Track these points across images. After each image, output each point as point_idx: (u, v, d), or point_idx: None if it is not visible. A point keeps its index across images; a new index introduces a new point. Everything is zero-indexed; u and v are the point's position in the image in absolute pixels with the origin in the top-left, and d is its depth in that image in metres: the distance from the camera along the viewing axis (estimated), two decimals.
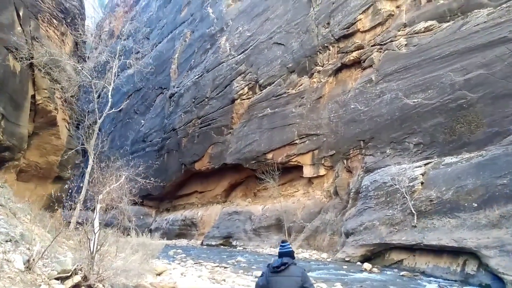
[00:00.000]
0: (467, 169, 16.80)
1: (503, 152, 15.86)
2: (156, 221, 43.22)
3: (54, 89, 15.73)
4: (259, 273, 12.44)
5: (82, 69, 12.52)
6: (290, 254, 4.17)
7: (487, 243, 13.87)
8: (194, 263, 16.51)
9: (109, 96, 12.36)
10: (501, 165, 15.53)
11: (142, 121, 54.08)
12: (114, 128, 61.97)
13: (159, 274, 8.67)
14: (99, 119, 11.77)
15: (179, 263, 16.20)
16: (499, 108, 17.25)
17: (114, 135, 61.28)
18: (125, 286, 5.40)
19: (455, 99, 19.17)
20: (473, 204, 15.58)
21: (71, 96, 16.30)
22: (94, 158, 11.50)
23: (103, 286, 4.90)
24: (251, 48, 35.63)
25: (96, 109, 11.87)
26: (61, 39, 16.83)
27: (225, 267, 15.34)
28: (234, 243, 29.96)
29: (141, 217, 44.85)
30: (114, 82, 12.74)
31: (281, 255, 4.13)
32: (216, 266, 15.35)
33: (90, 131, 11.95)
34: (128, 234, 11.71)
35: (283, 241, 4.32)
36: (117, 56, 13.13)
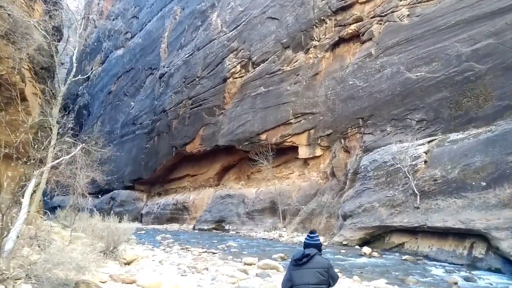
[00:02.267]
0: (475, 145, 15.60)
1: None
2: (147, 205, 42.04)
3: (21, 59, 14.07)
4: (249, 259, 11.22)
5: (39, 25, 10.93)
6: (317, 247, 3.77)
7: (497, 224, 12.75)
8: (181, 249, 15.33)
9: (74, 60, 10.81)
10: None
11: (132, 103, 52.33)
12: (104, 111, 60.18)
13: (128, 263, 7.40)
14: (63, 86, 10.25)
15: (164, 249, 15.02)
16: (510, 80, 15.94)
17: (104, 118, 59.54)
18: (62, 283, 4.13)
19: (461, 71, 17.81)
20: (482, 183, 14.43)
21: (41, 69, 14.67)
22: (58, 132, 10.08)
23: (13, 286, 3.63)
24: (243, 23, 33.80)
25: (57, 75, 10.35)
26: (29, 5, 15.10)
27: (213, 253, 14.17)
28: (226, 227, 28.87)
29: (132, 201, 43.73)
30: (78, 43, 11.12)
31: (306, 246, 3.76)
32: (204, 252, 14.17)
33: (53, 101, 10.46)
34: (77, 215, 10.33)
35: (311, 232, 3.91)
36: (82, 15, 11.50)
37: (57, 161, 7.51)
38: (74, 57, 10.73)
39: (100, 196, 51.01)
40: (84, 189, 8.98)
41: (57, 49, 19.53)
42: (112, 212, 46.70)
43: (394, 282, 9.50)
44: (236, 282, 6.57)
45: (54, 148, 9.33)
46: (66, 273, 4.14)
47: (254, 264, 10.63)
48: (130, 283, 5.33)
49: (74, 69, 10.50)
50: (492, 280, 10.81)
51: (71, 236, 7.09)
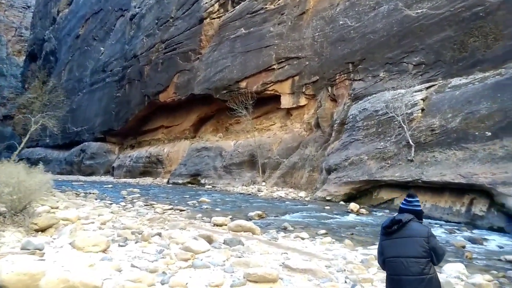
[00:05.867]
0: (481, 91, 13.77)
1: None
2: (119, 158, 39.62)
3: None
4: (219, 219, 9.33)
5: None
6: (416, 214, 2.90)
7: (504, 179, 11.25)
8: (144, 205, 13.36)
9: None
10: None
11: (102, 48, 48.11)
12: (72, 57, 55.61)
13: (42, 230, 5.31)
14: None
15: (124, 205, 13.01)
16: None
17: (72, 65, 55.17)
18: None
19: (469, 6, 15.54)
20: (487, 132, 12.77)
21: None
22: None
23: None
24: None
25: None
26: None
27: (180, 210, 12.27)
28: (202, 181, 27.08)
29: (104, 154, 41.29)
30: None
31: (402, 211, 2.96)
32: (170, 209, 12.25)
33: None
34: None
35: (410, 195, 3.03)
36: None
37: None
38: None
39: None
40: None
41: None
42: (82, 165, 44.26)
43: None
44: (190, 258, 4.63)
45: None
46: None
47: (226, 225, 8.78)
48: None
49: None
50: (500, 241, 9.38)
51: None
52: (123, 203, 13.63)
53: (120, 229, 6.71)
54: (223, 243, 6.24)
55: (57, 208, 8.85)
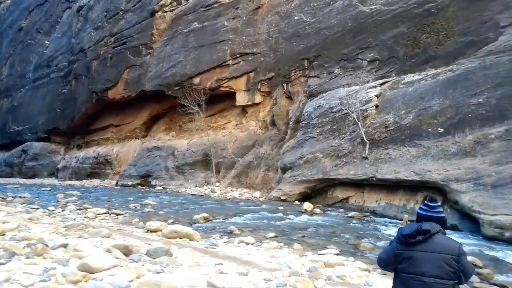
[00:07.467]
0: (433, 87, 13.67)
1: (480, 65, 12.73)
2: (64, 159, 36.78)
3: None
4: (154, 224, 8.22)
5: None
6: (441, 222, 2.41)
7: (457, 175, 11.02)
8: (77, 209, 11.87)
9: None
10: (477, 80, 12.48)
11: (47, 42, 44.80)
12: (14, 51, 51.44)
13: None
14: None
15: (53, 210, 11.46)
16: (476, 12, 13.87)
17: (14, 59, 51.04)
18: None
19: (422, 3, 15.52)
20: (439, 129, 12.63)
21: None
22: None
23: None
24: None
25: None
26: None
27: (117, 214, 10.97)
28: (153, 182, 25.54)
29: (48, 155, 38.26)
30: None
31: (421, 219, 2.43)
32: (104, 213, 10.90)
33: None
34: None
35: (431, 199, 2.49)
36: None
37: None
38: None
39: None
40: None
41: None
42: (23, 166, 40.74)
43: (347, 250, 7.13)
44: (81, 280, 3.56)
45: None
46: None
47: (161, 231, 7.67)
48: None
49: None
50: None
51: None
52: (52, 208, 12.04)
53: (19, 240, 5.43)
54: (146, 254, 5.17)
55: None
